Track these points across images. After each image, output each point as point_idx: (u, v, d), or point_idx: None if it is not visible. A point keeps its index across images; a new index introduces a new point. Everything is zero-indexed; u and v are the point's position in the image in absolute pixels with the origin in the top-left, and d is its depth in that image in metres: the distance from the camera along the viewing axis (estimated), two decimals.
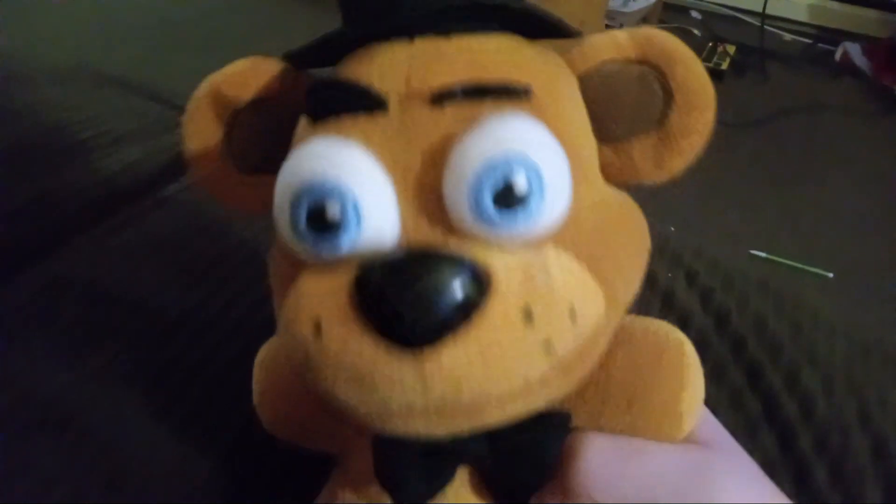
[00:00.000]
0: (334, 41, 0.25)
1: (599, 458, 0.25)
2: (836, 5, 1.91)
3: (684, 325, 0.43)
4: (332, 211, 0.22)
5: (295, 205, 0.23)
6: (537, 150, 0.22)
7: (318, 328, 0.22)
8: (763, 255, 1.23)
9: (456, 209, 0.22)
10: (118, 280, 0.41)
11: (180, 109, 0.28)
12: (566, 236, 0.23)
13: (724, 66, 1.72)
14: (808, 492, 0.37)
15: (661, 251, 0.49)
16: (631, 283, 0.26)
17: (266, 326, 0.30)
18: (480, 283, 0.21)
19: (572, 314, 0.22)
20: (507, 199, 0.21)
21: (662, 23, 1.95)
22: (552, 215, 0.22)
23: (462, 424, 0.23)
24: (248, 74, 0.27)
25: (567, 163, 0.23)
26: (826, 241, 1.26)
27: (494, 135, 0.22)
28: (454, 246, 0.22)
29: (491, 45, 0.25)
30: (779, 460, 0.38)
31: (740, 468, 0.27)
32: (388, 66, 0.24)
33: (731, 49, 1.78)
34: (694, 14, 2.01)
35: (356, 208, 0.22)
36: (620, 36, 0.26)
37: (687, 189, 1.34)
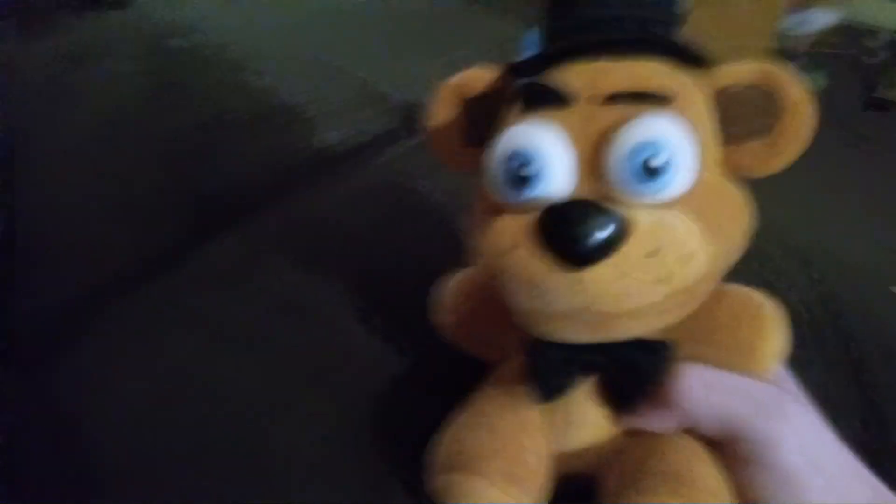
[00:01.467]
0: (542, 58, 0.36)
1: (696, 380, 0.33)
2: None
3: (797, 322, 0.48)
4: (531, 170, 0.33)
5: (504, 164, 0.34)
6: (675, 138, 0.32)
7: (511, 249, 0.32)
8: None
9: (613, 175, 0.32)
10: (338, 225, 0.52)
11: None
12: (689, 203, 0.33)
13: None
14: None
15: (791, 254, 0.53)
16: (733, 245, 0.35)
17: (447, 264, 0.39)
18: (622, 228, 0.31)
19: (687, 258, 0.31)
20: (650, 171, 0.31)
21: (838, 47, 1.87)
22: (680, 187, 0.32)
23: (597, 333, 0.33)
24: (477, 76, 0.40)
25: (695, 150, 0.33)
26: None
27: (646, 125, 0.32)
28: (609, 203, 0.32)
29: (650, 66, 0.35)
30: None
31: (809, 410, 0.33)
32: (577, 76, 0.35)
33: None
34: (875, 39, 1.92)
35: (546, 169, 0.33)
36: (747, 68, 0.36)
37: (846, 213, 1.30)
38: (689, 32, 0.38)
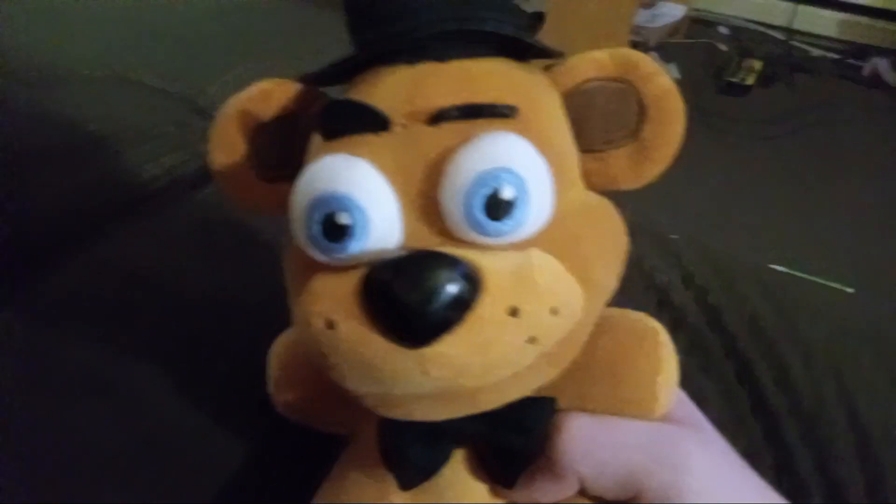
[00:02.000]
0: (345, 65, 0.29)
1: (581, 432, 0.28)
2: (865, 20, 1.91)
3: (678, 322, 0.45)
4: (343, 220, 0.25)
5: (310, 214, 0.26)
6: (523, 164, 0.25)
7: (330, 324, 0.25)
8: (782, 269, 1.23)
9: (451, 217, 0.25)
10: (155, 265, 0.45)
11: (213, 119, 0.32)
12: (550, 239, 0.26)
13: (750, 81, 1.73)
14: (790, 479, 0.39)
15: (661, 253, 0.51)
16: (609, 279, 0.29)
17: (283, 313, 0.33)
18: (473, 282, 0.23)
19: (554, 310, 0.24)
20: (496, 208, 0.24)
21: (689, 37, 1.96)
22: (536, 221, 0.26)
23: (460, 409, 0.26)
24: (269, 94, 0.31)
25: (550, 175, 0.26)
26: (846, 254, 1.26)
27: (485, 150, 0.25)
28: (450, 249, 0.24)
29: (483, 68, 0.28)
30: (764, 450, 0.40)
31: (711, 443, 0.29)
32: (391, 88, 0.28)
33: (758, 64, 1.79)
34: (721, 29, 2.02)
35: (364, 218, 0.25)
36: (600, 56, 0.30)
37: (709, 201, 1.35)
38: (543, 34, 0.31)
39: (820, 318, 0.49)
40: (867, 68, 1.78)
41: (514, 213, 0.25)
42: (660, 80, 0.29)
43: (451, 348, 0.23)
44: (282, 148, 0.31)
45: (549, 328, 0.25)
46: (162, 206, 0.51)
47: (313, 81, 0.31)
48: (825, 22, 1.94)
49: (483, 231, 0.25)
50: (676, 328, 0.44)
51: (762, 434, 0.40)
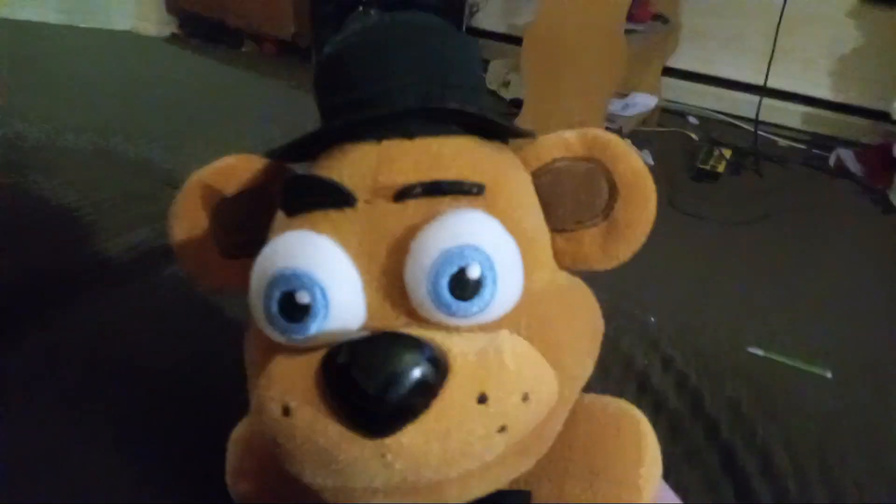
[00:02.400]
0: (310, 140, 0.28)
1: None
2: (829, 113, 1.99)
3: (658, 408, 0.44)
4: (303, 299, 0.24)
5: (268, 292, 0.25)
6: (490, 242, 0.24)
7: (287, 410, 0.24)
8: (760, 353, 1.22)
9: (416, 296, 0.24)
10: (117, 347, 0.43)
11: None
12: (520, 320, 0.25)
13: (720, 168, 1.78)
14: None
15: (640, 337, 0.51)
16: (584, 362, 0.28)
17: (246, 396, 0.32)
18: (438, 367, 0.22)
19: (525, 397, 0.23)
20: (463, 287, 0.24)
21: (660, 126, 2.03)
22: (505, 302, 0.25)
23: (423, 502, 0.24)
24: (233, 169, 0.31)
25: (518, 254, 0.25)
26: (824, 338, 1.26)
27: (451, 229, 0.24)
28: (415, 331, 0.24)
29: (450, 146, 0.28)
30: None
31: None
32: (357, 165, 0.27)
33: (728, 152, 1.84)
34: (691, 119, 2.09)
35: (324, 296, 0.24)
36: (570, 136, 0.30)
37: (683, 286, 1.36)
38: (521, 122, 0.32)
39: (798, 402, 0.49)
40: (832, 158, 1.85)
41: (482, 292, 0.24)
42: (630, 161, 0.29)
43: (414, 438, 0.22)
44: (245, 224, 0.30)
45: (519, 416, 0.23)
46: (129, 280, 0.50)
47: (279, 157, 0.30)
48: (790, 114, 2.02)
49: (449, 311, 0.24)
50: (658, 413, 0.44)
51: None
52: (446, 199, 0.26)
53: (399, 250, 0.25)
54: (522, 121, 1.68)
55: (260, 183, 0.31)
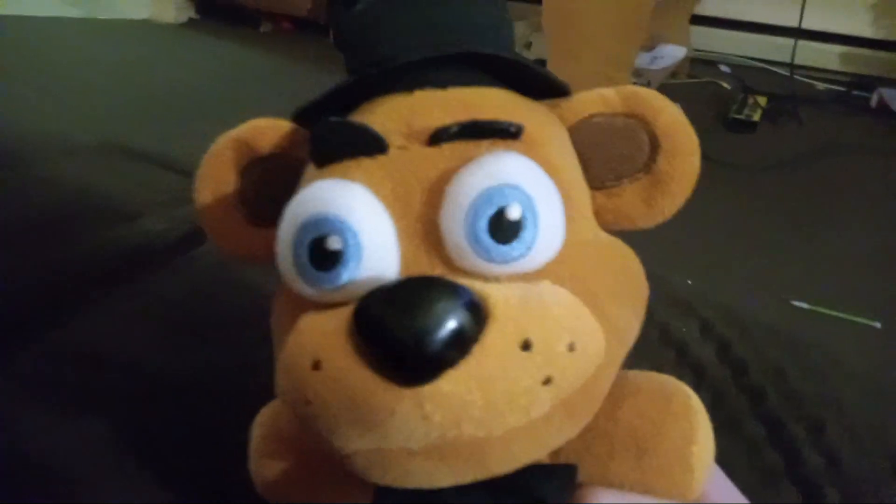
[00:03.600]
0: (339, 93, 0.27)
1: None
2: (868, 52, 1.90)
3: (700, 378, 0.42)
4: (334, 244, 0.23)
5: (298, 240, 0.24)
6: (531, 183, 0.23)
7: (317, 365, 0.22)
8: (805, 305, 1.19)
9: (453, 241, 0.23)
10: (122, 348, 0.42)
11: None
12: (562, 271, 0.24)
13: (756, 117, 1.72)
14: None
15: (676, 301, 0.48)
16: (630, 322, 0.27)
17: (267, 391, 0.31)
18: (478, 313, 0.21)
19: (571, 347, 0.22)
20: (503, 228, 0.22)
21: (691, 77, 1.96)
22: (547, 247, 0.23)
23: (465, 471, 0.23)
24: (263, 131, 0.30)
25: (560, 198, 0.24)
26: (869, 288, 1.22)
27: (489, 168, 0.23)
28: (452, 279, 0.22)
29: (484, 95, 0.27)
30: None
31: None
32: (389, 113, 0.26)
33: (763, 100, 1.78)
34: (723, 68, 2.02)
35: (357, 242, 0.23)
36: (607, 92, 0.29)
37: (723, 240, 1.32)
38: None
39: (848, 360, 0.46)
40: (874, 98, 1.77)
41: (523, 235, 0.22)
42: (672, 113, 0.28)
43: (454, 386, 0.20)
44: (272, 190, 0.29)
45: (566, 368, 0.22)
46: (140, 274, 0.49)
47: (307, 117, 0.29)
48: (827, 55, 1.94)
49: (488, 256, 0.23)
50: (698, 385, 0.41)
51: (800, 501, 0.36)
52: (483, 143, 0.24)
53: (434, 196, 0.24)
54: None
55: (288, 147, 0.30)
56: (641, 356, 0.44)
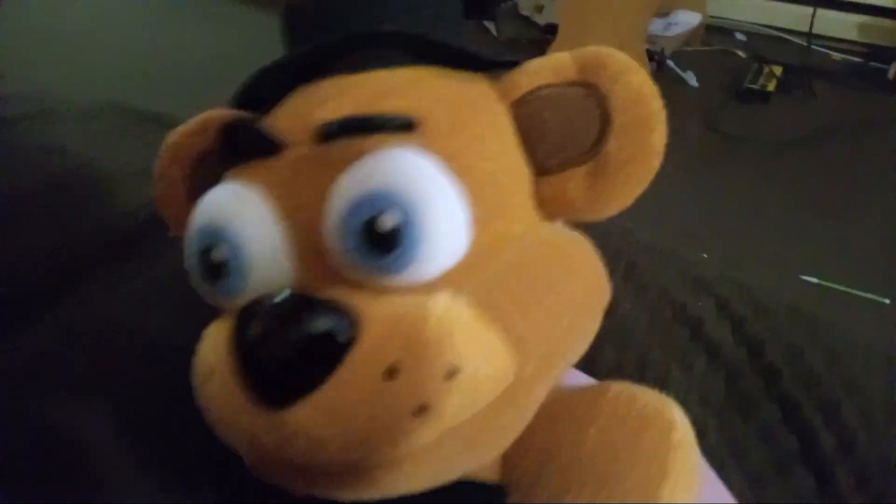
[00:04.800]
0: (259, 80, 0.26)
1: None
2: (888, 22, 1.86)
3: (714, 356, 0.42)
4: (218, 255, 0.22)
5: (191, 248, 0.23)
6: (412, 187, 0.21)
7: (211, 375, 0.22)
8: (814, 280, 1.18)
9: (332, 251, 0.21)
10: (130, 324, 0.42)
11: None
12: (465, 281, 0.21)
13: (771, 87, 1.69)
14: None
15: (690, 278, 0.47)
16: (562, 338, 0.23)
17: None
18: (342, 335, 0.20)
19: (451, 373, 0.19)
20: (374, 240, 0.20)
21: (705, 45, 1.92)
22: (438, 258, 0.21)
23: (356, 488, 0.21)
24: (207, 124, 0.28)
25: (460, 200, 0.22)
26: (881, 265, 1.20)
27: (363, 172, 0.21)
28: (331, 292, 0.21)
29: (402, 77, 0.24)
30: (816, 500, 0.36)
31: None
32: (298, 104, 0.24)
33: (778, 70, 1.74)
34: (738, 36, 1.98)
35: (240, 254, 0.22)
36: (563, 57, 0.25)
37: (733, 214, 1.31)
38: (555, 48, 0.28)
39: (861, 339, 0.45)
40: (892, 70, 1.73)
41: (401, 245, 0.20)
42: (630, 79, 0.23)
43: (311, 415, 0.19)
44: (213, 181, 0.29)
45: (445, 395, 0.19)
46: (141, 249, 0.48)
47: (245, 104, 0.27)
48: (845, 25, 1.89)
49: (365, 268, 0.21)
50: (712, 363, 0.41)
51: (815, 484, 0.36)
52: (373, 139, 0.22)
53: (320, 200, 0.22)
54: (558, 47, 1.61)
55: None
56: (653, 334, 0.43)
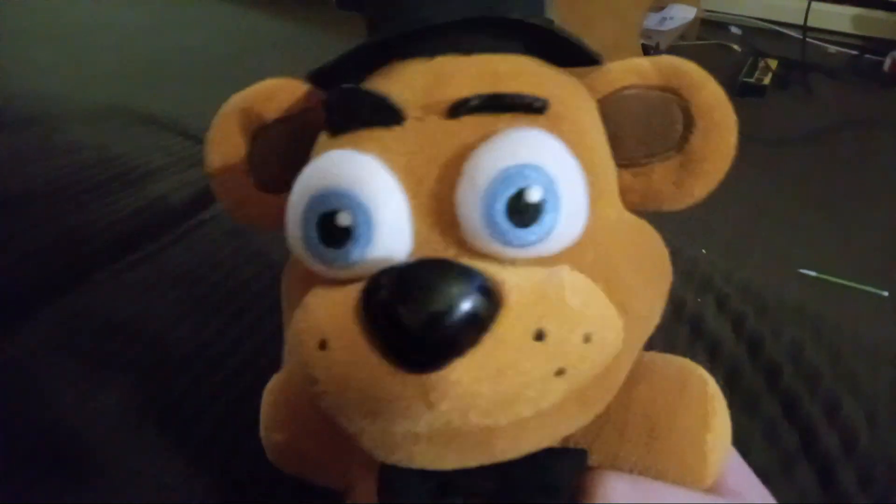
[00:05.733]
0: (355, 56, 0.26)
1: (614, 494, 0.24)
2: (882, 14, 1.86)
3: (714, 353, 0.41)
4: (343, 221, 0.22)
5: (308, 214, 0.23)
6: (553, 163, 0.22)
7: (323, 344, 0.21)
8: (813, 273, 1.18)
9: (469, 222, 0.22)
10: (135, 315, 0.42)
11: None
12: (583, 257, 0.23)
13: (766, 81, 1.69)
14: None
15: (690, 275, 0.47)
16: (652, 309, 0.26)
17: (277, 360, 0.30)
18: (491, 299, 0.20)
19: (587, 338, 0.21)
20: (521, 212, 0.21)
21: (701, 39, 1.92)
22: (567, 232, 0.22)
23: (472, 456, 0.22)
24: (275, 92, 0.28)
25: (584, 180, 0.23)
26: (879, 258, 1.21)
27: (510, 146, 0.22)
28: (466, 261, 0.21)
29: (510, 63, 0.25)
30: (818, 497, 0.36)
31: None
32: (407, 81, 0.25)
33: (773, 63, 1.74)
34: (733, 29, 1.98)
35: (368, 219, 0.22)
36: (643, 62, 0.27)
37: (731, 210, 1.31)
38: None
39: (861, 335, 0.45)
40: (887, 62, 1.73)
41: (542, 219, 0.21)
42: (711, 89, 0.26)
43: (461, 375, 0.20)
44: (283, 154, 0.28)
45: (580, 359, 0.21)
46: (149, 243, 0.48)
47: (323, 80, 0.27)
48: (840, 18, 1.89)
49: (505, 239, 0.21)
50: (713, 360, 0.41)
51: (817, 480, 0.36)
52: (505, 117, 0.23)
53: (451, 172, 0.22)
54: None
55: (301, 110, 0.29)
56: (656, 330, 0.43)
